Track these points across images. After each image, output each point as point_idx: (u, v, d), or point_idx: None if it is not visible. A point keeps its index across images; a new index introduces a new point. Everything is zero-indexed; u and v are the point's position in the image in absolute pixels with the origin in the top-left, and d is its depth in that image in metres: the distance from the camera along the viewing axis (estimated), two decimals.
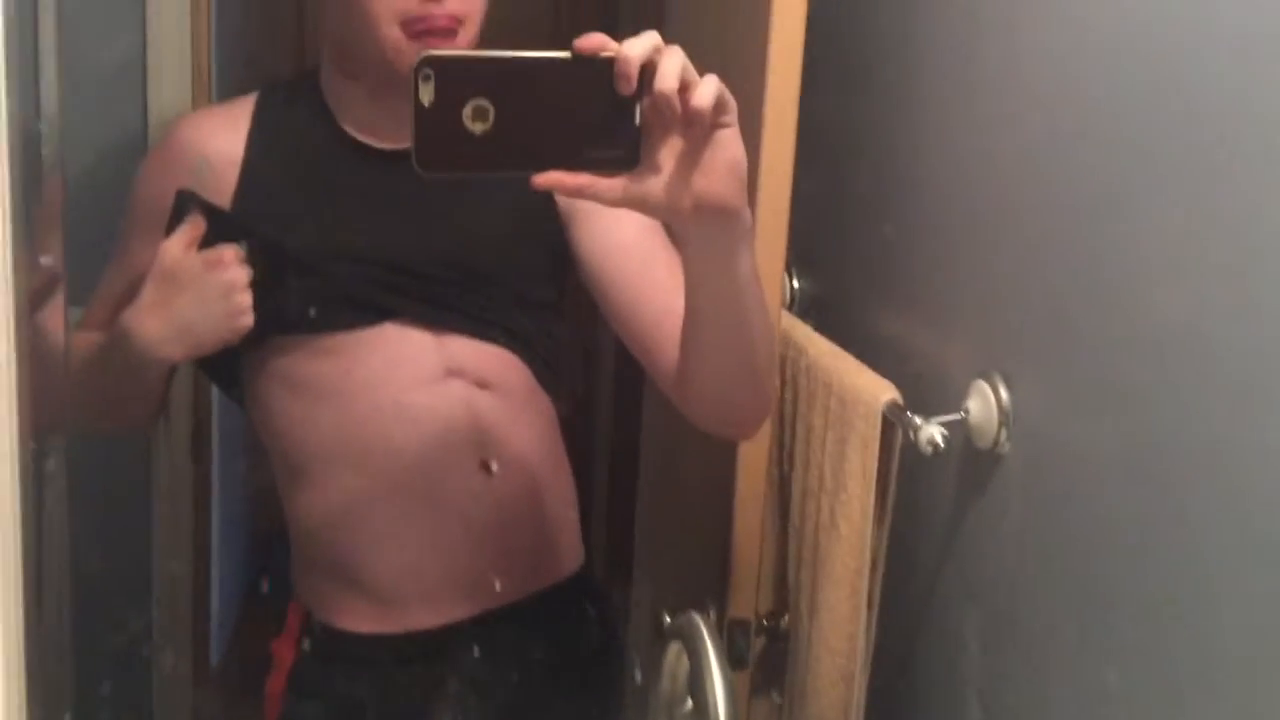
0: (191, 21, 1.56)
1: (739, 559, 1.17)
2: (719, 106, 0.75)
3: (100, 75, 1.52)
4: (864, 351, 1.16)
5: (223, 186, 1.09)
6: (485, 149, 0.73)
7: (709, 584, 1.22)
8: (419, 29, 1.00)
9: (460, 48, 1.01)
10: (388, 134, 1.10)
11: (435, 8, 0.99)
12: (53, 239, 0.59)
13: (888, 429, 1.05)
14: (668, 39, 0.75)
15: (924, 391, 1.09)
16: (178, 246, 1.03)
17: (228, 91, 1.67)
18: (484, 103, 0.73)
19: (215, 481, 1.90)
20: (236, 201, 1.09)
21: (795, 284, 1.44)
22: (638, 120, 0.75)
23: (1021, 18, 0.98)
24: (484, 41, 1.04)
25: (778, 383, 1.21)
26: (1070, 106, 0.90)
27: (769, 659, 1.27)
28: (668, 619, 1.22)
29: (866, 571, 1.08)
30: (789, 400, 1.25)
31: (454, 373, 1.12)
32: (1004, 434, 0.97)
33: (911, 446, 1.01)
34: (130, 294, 1.05)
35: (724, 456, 1.17)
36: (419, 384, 1.11)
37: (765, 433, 1.15)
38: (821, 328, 1.26)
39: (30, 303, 0.54)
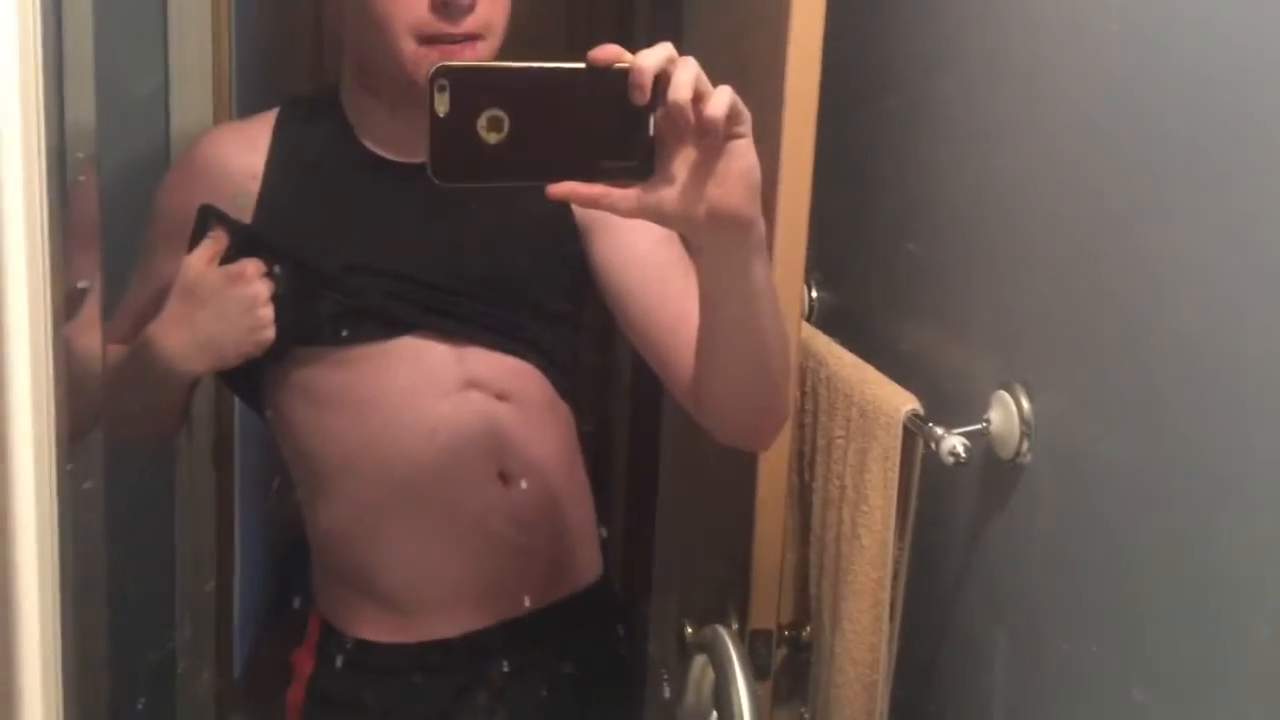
0: (213, 39, 1.58)
1: (760, 569, 1.17)
2: (732, 117, 0.75)
3: (123, 92, 1.53)
4: (885, 362, 1.16)
5: (245, 201, 1.10)
6: (500, 159, 0.73)
7: (730, 595, 1.21)
8: (437, 43, 1.00)
9: (480, 59, 1.02)
10: (407, 148, 1.10)
11: (451, 26, 1.00)
12: (88, 260, 0.59)
13: (909, 440, 1.05)
14: (685, 50, 0.75)
15: (945, 402, 1.08)
16: (200, 261, 1.04)
17: (249, 108, 1.68)
18: (499, 113, 0.73)
19: (237, 493, 1.90)
20: (258, 216, 1.10)
21: (814, 295, 1.43)
22: (652, 131, 0.75)
23: (1045, 30, 0.97)
24: (500, 52, 1.04)
25: (795, 393, 1.20)
26: (1091, 119, 0.90)
27: (791, 669, 1.27)
28: (689, 630, 1.21)
29: (889, 582, 1.08)
30: (809, 411, 1.24)
31: (473, 384, 1.12)
32: (1026, 444, 0.97)
33: (933, 457, 1.00)
34: (153, 308, 1.06)
35: (745, 466, 1.17)
36: (438, 396, 1.11)
37: (785, 443, 1.14)
38: (842, 339, 1.25)
39: (70, 325, 0.54)
